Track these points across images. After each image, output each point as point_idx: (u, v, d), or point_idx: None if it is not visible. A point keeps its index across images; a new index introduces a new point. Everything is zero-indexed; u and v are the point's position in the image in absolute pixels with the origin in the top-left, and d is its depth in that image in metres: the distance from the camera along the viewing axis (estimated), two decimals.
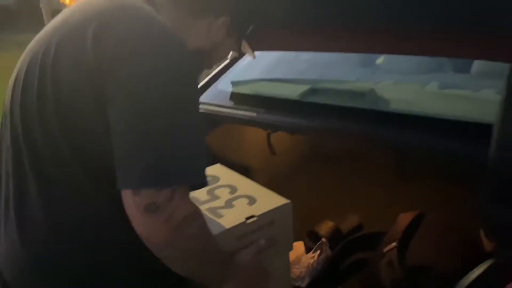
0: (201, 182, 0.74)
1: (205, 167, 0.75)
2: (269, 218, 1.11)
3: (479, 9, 1.04)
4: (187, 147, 0.72)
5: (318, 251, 1.73)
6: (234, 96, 1.83)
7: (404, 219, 1.61)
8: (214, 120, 1.78)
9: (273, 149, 1.79)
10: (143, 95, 0.70)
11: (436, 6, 1.08)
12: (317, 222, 1.90)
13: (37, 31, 0.92)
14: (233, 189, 1.23)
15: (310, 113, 1.55)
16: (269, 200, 1.17)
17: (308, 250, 1.79)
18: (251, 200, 1.17)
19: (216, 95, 1.90)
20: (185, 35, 0.84)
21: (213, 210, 1.12)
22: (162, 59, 0.72)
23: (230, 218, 1.07)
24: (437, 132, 1.28)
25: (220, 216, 1.10)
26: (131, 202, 0.69)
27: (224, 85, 1.95)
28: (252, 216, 1.09)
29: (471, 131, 1.22)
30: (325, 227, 1.89)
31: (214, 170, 1.35)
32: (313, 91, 1.62)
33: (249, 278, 0.95)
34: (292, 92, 1.65)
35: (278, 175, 1.77)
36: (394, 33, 1.24)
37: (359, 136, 1.37)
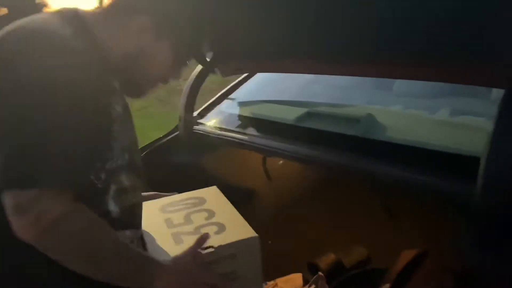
0: (65, 186, 0.73)
1: (72, 171, 0.74)
2: (230, 251, 1.03)
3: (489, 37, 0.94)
4: (50, 150, 0.72)
5: (313, 286, 1.63)
6: (232, 118, 1.79)
7: (405, 256, 1.48)
8: (209, 142, 1.75)
9: (269, 174, 1.72)
10: (5, 99, 0.73)
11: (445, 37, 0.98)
12: (318, 253, 1.79)
13: None
14: (210, 215, 1.18)
15: (302, 138, 1.47)
16: (237, 231, 1.09)
17: (306, 283, 1.69)
18: (220, 229, 1.10)
19: (216, 116, 1.88)
20: (111, 40, 0.88)
21: (177, 235, 1.08)
22: (23, 67, 0.73)
23: (185, 247, 1.01)
24: (431, 167, 1.16)
25: (179, 242, 1.05)
26: (5, 203, 0.71)
27: (226, 107, 1.92)
28: (210, 247, 1.02)
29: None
30: (326, 260, 1.77)
31: (205, 193, 1.31)
32: (309, 115, 1.55)
33: (183, 276, 0.89)
34: (288, 115, 1.59)
35: (274, 202, 1.70)
36: (404, 61, 1.16)
37: (343, 166, 1.27)
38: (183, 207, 1.22)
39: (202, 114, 1.94)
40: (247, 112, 1.79)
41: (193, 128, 1.83)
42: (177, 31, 0.91)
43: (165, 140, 1.84)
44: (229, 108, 1.91)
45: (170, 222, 1.15)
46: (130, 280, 0.83)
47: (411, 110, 1.63)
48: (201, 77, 1.80)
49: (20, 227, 0.71)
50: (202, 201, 1.25)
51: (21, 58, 0.74)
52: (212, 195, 1.30)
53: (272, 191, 1.71)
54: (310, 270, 1.79)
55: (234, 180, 1.76)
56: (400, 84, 1.90)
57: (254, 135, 1.65)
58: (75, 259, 0.76)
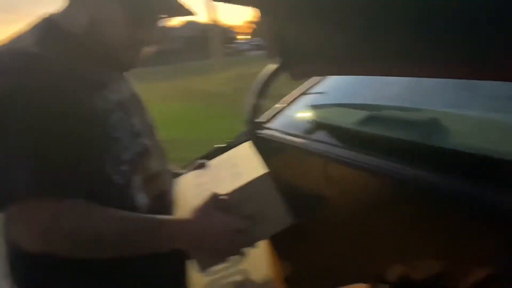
0: (39, 190, 0.73)
1: (67, 178, 0.74)
2: (243, 194, 0.91)
3: None
4: (15, 167, 0.72)
5: None
6: (297, 123, 1.78)
7: (476, 276, 1.33)
8: (273, 146, 1.76)
9: (330, 180, 1.67)
10: None
11: None
12: (385, 265, 1.69)
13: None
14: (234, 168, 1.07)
15: (362, 145, 1.41)
16: (249, 174, 0.97)
17: None
18: (237, 177, 0.99)
19: (282, 120, 1.89)
20: (72, 26, 0.85)
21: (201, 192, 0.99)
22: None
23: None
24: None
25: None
26: (10, 216, 0.74)
27: (293, 111, 1.91)
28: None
29: None
30: (393, 272, 1.67)
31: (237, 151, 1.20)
32: (370, 119, 1.48)
33: (205, 226, 0.83)
34: (350, 119, 1.54)
35: (338, 210, 1.64)
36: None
37: (401, 177, 1.18)
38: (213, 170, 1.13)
39: (268, 118, 1.96)
40: (311, 116, 1.76)
41: (258, 132, 1.85)
42: None
43: (233, 142, 1.90)
44: (295, 112, 1.90)
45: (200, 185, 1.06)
46: (149, 247, 0.82)
47: (491, 115, 1.46)
48: (268, 80, 1.82)
49: (20, 235, 0.74)
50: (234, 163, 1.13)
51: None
52: (242, 150, 1.18)
53: (336, 199, 1.65)
54: (376, 282, 1.70)
55: (296, 186, 1.75)
56: (486, 85, 1.71)
57: (314, 140, 1.62)
58: (87, 251, 0.78)
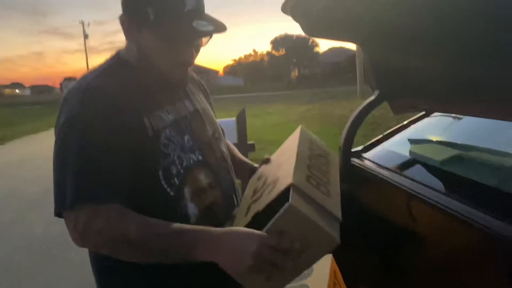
0: (78, 198, 0.85)
1: (112, 188, 0.86)
2: (277, 229, 0.84)
3: None
4: (68, 180, 0.86)
5: None
6: (389, 156, 1.77)
7: None
8: (365, 176, 1.78)
9: (415, 218, 1.60)
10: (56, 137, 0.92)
11: None
12: None
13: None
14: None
15: (444, 185, 1.37)
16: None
17: None
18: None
19: (377, 152, 1.89)
20: (130, 57, 1.01)
21: (249, 206, 0.97)
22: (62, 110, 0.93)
23: (248, 219, 0.93)
24: None
25: (247, 214, 0.95)
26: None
27: (390, 144, 1.90)
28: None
29: None
30: None
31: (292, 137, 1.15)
32: (457, 158, 1.42)
33: (232, 244, 0.83)
34: (437, 157, 1.50)
35: (421, 252, 1.57)
36: None
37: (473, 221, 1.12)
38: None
39: (367, 148, 1.99)
40: (404, 151, 1.74)
41: (351, 160, 1.89)
42: (144, 17, 0.94)
43: None
44: (391, 145, 1.89)
45: (255, 190, 1.05)
46: (174, 256, 0.86)
47: None
48: (364, 112, 1.86)
49: (73, 238, 0.87)
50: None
51: (64, 104, 0.93)
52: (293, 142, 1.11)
53: (417, 239, 1.59)
54: None
55: (382, 219, 1.74)
56: None
57: (402, 175, 1.60)
58: (116, 250, 0.88)
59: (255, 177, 1.13)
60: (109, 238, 0.85)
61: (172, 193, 0.94)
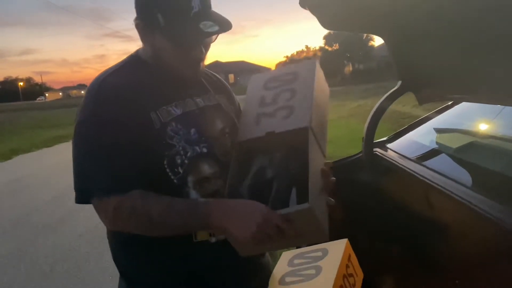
0: (105, 191, 0.98)
1: (108, 180, 0.98)
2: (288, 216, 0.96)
3: None
4: (89, 168, 1.00)
5: None
6: (413, 146, 1.78)
7: None
8: (387, 166, 1.80)
9: (433, 208, 1.59)
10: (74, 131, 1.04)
11: None
12: None
13: None
14: (291, 96, 1.15)
15: (470, 176, 1.35)
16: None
17: None
18: (290, 112, 1.09)
19: (402, 142, 1.90)
20: (147, 57, 1.11)
21: (259, 116, 1.12)
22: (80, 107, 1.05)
23: (261, 128, 1.09)
24: None
25: (257, 123, 1.11)
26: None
27: (415, 134, 1.90)
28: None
29: None
30: None
31: (303, 67, 1.24)
32: (470, 146, 1.42)
33: (240, 213, 0.95)
34: (452, 144, 1.49)
35: (439, 245, 1.55)
36: None
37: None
38: (279, 84, 1.20)
39: (392, 139, 2.00)
40: (427, 141, 1.74)
41: (374, 150, 1.92)
42: (155, 22, 1.02)
43: (352, 158, 2.00)
44: (416, 135, 1.89)
45: (263, 100, 1.17)
46: (193, 225, 0.99)
47: None
48: (386, 103, 1.87)
49: (104, 223, 1.03)
50: (295, 77, 1.20)
51: (83, 101, 1.05)
52: (306, 70, 1.21)
53: (438, 233, 1.58)
54: None
55: (404, 210, 1.74)
56: None
57: (424, 166, 1.60)
58: (144, 228, 1.00)
59: (259, 86, 1.23)
60: (135, 221, 0.98)
61: (176, 181, 1.04)
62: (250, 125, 1.12)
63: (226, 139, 1.16)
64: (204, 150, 1.09)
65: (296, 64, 1.25)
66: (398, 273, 1.73)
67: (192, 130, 1.09)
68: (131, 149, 1.00)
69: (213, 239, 1.08)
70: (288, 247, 1.17)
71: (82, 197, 1.01)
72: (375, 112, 1.88)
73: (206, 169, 1.09)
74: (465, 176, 1.39)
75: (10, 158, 9.66)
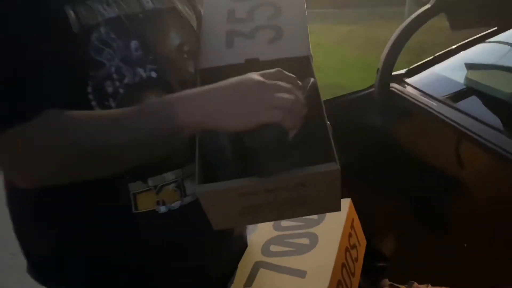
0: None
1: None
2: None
3: None
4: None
5: None
6: (441, 83, 1.47)
7: None
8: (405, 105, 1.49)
9: (462, 161, 1.33)
10: None
11: None
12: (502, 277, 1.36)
13: None
14: (275, 14, 0.86)
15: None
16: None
17: None
18: (278, 34, 0.80)
19: (424, 77, 1.57)
20: None
21: (231, 34, 0.82)
22: None
23: (235, 51, 0.79)
24: None
25: (229, 46, 0.81)
26: None
27: (442, 68, 1.57)
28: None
29: None
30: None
31: None
32: None
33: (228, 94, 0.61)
34: (505, 87, 1.20)
35: (463, 199, 1.33)
36: None
37: None
38: None
39: (411, 73, 1.67)
40: (456, 77, 1.43)
41: (390, 86, 1.59)
42: None
43: (361, 94, 1.68)
44: (441, 70, 1.57)
45: (232, 15, 0.87)
46: (150, 140, 0.63)
47: None
48: (415, 24, 1.51)
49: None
50: None
51: None
52: None
53: (464, 185, 1.34)
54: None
55: (419, 160, 1.48)
56: None
57: (452, 107, 1.31)
58: (75, 170, 0.64)
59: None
60: (61, 156, 0.61)
61: None
62: (217, 46, 0.80)
63: (184, 61, 0.79)
64: (153, 74, 0.71)
65: None
66: (413, 230, 1.50)
67: (133, 43, 0.70)
68: (36, 54, 0.61)
69: (162, 209, 0.74)
70: (284, 218, 0.95)
71: None
72: (398, 37, 1.52)
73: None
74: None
75: None
